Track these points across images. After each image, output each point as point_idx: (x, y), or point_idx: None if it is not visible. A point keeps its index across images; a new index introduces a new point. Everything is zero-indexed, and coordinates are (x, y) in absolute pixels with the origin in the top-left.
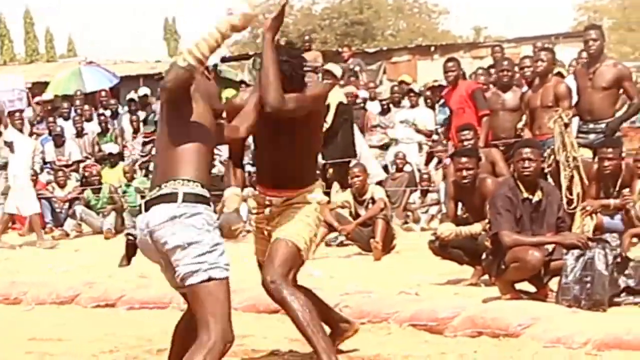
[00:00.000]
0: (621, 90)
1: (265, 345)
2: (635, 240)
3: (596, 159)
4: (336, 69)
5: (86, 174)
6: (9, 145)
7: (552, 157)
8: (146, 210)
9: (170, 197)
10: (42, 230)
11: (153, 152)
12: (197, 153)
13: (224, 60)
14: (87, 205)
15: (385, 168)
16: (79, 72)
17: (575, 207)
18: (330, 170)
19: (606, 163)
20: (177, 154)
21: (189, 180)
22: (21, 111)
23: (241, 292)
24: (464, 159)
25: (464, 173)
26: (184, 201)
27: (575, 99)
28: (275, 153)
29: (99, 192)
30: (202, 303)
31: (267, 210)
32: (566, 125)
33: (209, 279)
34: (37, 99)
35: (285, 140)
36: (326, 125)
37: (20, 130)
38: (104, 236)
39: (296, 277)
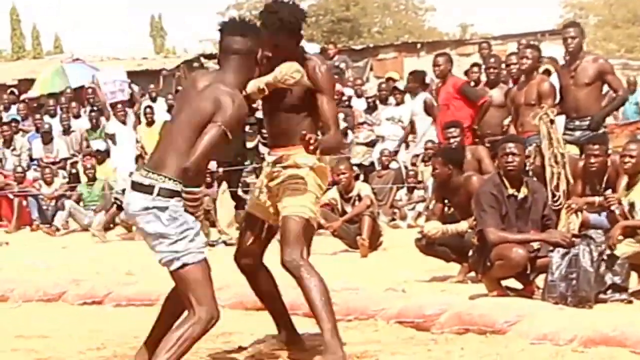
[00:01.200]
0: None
1: (252, 342)
2: (620, 237)
3: (582, 156)
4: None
5: (86, 165)
6: (111, 137)
7: (535, 155)
8: (131, 188)
9: (147, 189)
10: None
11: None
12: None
13: (209, 57)
14: (77, 200)
15: (372, 165)
16: (62, 69)
17: (560, 204)
18: (220, 170)
19: (592, 160)
20: (175, 148)
21: (169, 178)
22: (123, 102)
23: (227, 289)
24: (433, 159)
25: (432, 172)
26: (158, 195)
27: (559, 97)
28: (273, 113)
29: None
30: (184, 286)
31: (266, 168)
32: (552, 122)
33: (184, 265)
34: (23, 96)
35: (280, 99)
36: None
37: (123, 122)
38: (92, 233)
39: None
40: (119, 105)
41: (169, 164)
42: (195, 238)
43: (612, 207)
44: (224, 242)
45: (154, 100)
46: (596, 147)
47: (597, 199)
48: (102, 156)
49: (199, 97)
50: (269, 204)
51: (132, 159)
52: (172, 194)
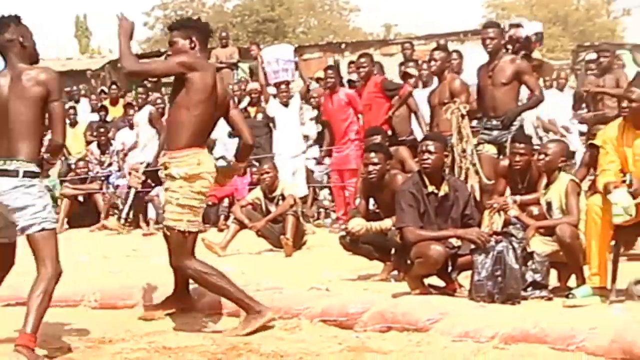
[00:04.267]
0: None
1: (177, 342)
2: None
3: (502, 155)
4: None
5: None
6: (271, 120)
7: (451, 152)
8: None
9: (13, 173)
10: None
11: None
12: (34, 136)
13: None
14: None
15: None
16: None
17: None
18: None
19: (517, 158)
20: (19, 135)
21: (27, 161)
22: (287, 83)
23: (159, 290)
24: (371, 154)
25: (370, 168)
26: (23, 176)
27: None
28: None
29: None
30: (39, 247)
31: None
32: (463, 117)
33: (43, 230)
34: None
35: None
36: None
37: (285, 104)
38: None
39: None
40: (283, 86)
41: (23, 151)
42: (52, 212)
43: (509, 212)
44: None
45: (77, 101)
46: (522, 145)
47: (517, 198)
48: None
49: None
50: None
51: (294, 145)
52: (35, 175)
